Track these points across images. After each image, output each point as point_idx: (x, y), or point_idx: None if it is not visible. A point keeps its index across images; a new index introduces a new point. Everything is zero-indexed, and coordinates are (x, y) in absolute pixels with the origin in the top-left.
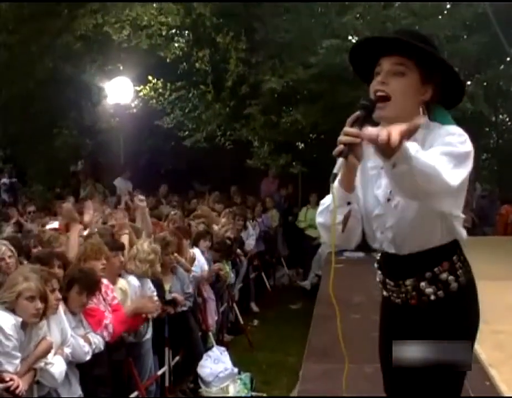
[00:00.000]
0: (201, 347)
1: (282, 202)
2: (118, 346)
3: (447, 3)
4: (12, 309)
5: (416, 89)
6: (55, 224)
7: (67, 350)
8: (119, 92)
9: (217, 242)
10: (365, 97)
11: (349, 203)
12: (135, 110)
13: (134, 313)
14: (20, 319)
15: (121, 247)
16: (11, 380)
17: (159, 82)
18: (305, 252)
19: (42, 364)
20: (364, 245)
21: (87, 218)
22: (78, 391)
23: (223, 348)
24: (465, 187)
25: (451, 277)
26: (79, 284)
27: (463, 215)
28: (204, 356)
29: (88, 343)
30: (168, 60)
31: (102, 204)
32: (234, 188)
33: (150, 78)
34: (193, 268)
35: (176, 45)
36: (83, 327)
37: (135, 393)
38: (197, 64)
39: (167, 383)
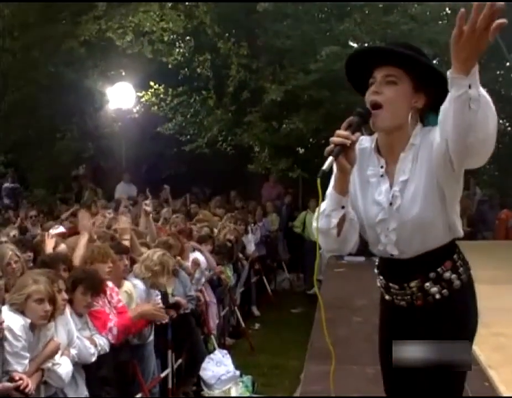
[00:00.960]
0: (203, 350)
1: (284, 209)
2: (123, 348)
3: (446, 8)
4: (21, 311)
5: (407, 97)
6: (60, 229)
7: (73, 351)
8: (121, 97)
9: (218, 245)
10: (361, 105)
11: (343, 207)
12: (136, 116)
13: (140, 318)
14: (29, 321)
15: (125, 251)
16: (20, 379)
17: (161, 87)
18: (305, 256)
19: (49, 365)
20: (364, 250)
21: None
22: (84, 391)
23: (225, 351)
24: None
25: (454, 275)
26: (84, 285)
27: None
28: (207, 359)
29: (93, 345)
30: (169, 66)
31: (104, 208)
32: (234, 192)
33: (151, 83)
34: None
35: (178, 50)
36: (88, 329)
37: (139, 395)
38: (198, 70)
39: (170, 386)
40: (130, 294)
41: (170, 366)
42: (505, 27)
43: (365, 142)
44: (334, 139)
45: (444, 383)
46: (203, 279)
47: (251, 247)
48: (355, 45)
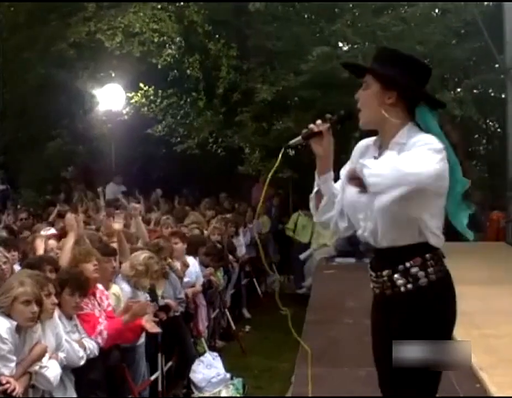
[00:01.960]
0: (193, 353)
1: (274, 210)
2: (112, 351)
3: (436, 10)
4: (7, 314)
5: (378, 97)
6: (51, 231)
7: (62, 355)
8: (111, 99)
9: (208, 247)
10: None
11: (318, 184)
12: (126, 117)
13: (130, 319)
14: (15, 323)
15: (112, 253)
16: (7, 383)
17: (151, 89)
18: (295, 258)
19: (37, 368)
20: (355, 251)
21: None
22: (73, 395)
23: (215, 353)
24: (440, 190)
25: (421, 273)
26: (70, 286)
27: (437, 229)
28: (197, 362)
29: (82, 348)
30: (159, 67)
31: (94, 210)
32: (223, 194)
33: (141, 85)
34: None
35: (168, 52)
36: (78, 332)
37: None
38: (188, 71)
39: (160, 389)
40: (118, 297)
41: (159, 369)
42: (495, 29)
43: (371, 140)
44: (309, 125)
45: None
46: (201, 282)
47: (241, 250)
48: (346, 47)
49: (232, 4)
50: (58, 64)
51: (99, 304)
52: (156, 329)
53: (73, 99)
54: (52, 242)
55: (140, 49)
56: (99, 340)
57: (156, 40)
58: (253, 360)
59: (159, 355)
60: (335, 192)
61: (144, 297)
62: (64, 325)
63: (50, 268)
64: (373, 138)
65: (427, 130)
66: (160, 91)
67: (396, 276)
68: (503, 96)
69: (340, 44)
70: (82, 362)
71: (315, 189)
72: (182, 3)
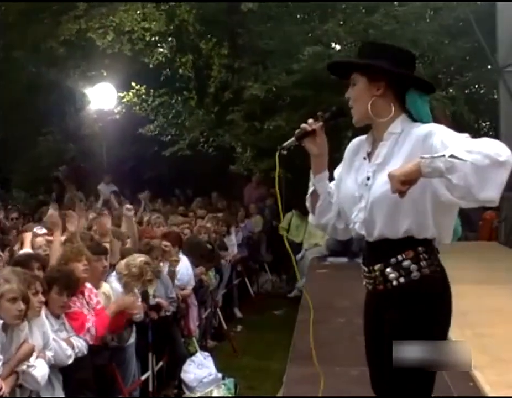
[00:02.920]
0: (184, 352)
1: (267, 211)
2: (101, 350)
3: (428, 8)
4: None
5: (366, 91)
6: (43, 230)
7: (49, 354)
8: (102, 97)
9: (199, 247)
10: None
11: (313, 184)
12: (117, 117)
13: (116, 313)
14: (1, 321)
15: (104, 252)
16: None
17: (142, 88)
18: (288, 258)
19: (24, 367)
20: (347, 251)
21: (72, 227)
22: (61, 394)
23: (206, 353)
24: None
25: (413, 266)
26: (59, 284)
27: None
28: (188, 361)
29: (70, 347)
30: (151, 66)
31: (86, 210)
32: (215, 194)
33: (133, 84)
34: (178, 276)
35: (160, 51)
36: (66, 330)
37: None
38: (180, 70)
39: (150, 389)
40: (108, 296)
41: (150, 368)
42: (488, 27)
43: (363, 137)
44: (302, 125)
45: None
46: (192, 283)
47: (233, 249)
48: (338, 47)
49: (224, 3)
50: (49, 63)
51: (88, 303)
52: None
53: (64, 98)
54: (40, 240)
55: (129, 47)
56: (88, 337)
57: (147, 39)
58: (245, 360)
59: (150, 354)
60: (331, 191)
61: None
62: (52, 324)
63: (38, 265)
64: (365, 135)
65: (418, 118)
66: (151, 90)
67: (388, 270)
68: (495, 96)
69: (333, 44)
70: (70, 361)
71: (310, 189)
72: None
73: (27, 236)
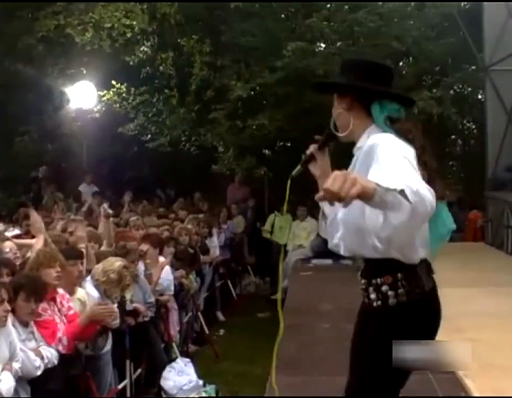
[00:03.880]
0: (164, 359)
1: (250, 211)
2: (74, 360)
3: (413, 3)
4: None
5: (337, 107)
6: (15, 232)
7: (16, 365)
8: (82, 96)
9: (180, 250)
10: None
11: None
12: (97, 115)
13: (88, 322)
14: None
15: (79, 256)
16: None
17: (123, 86)
18: (272, 260)
19: None
20: (331, 252)
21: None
22: None
23: (187, 359)
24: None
25: (390, 292)
26: (26, 291)
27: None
28: (168, 368)
29: (39, 357)
30: (132, 64)
31: (63, 211)
32: (198, 194)
33: (113, 82)
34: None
35: (141, 48)
36: (34, 339)
37: None
38: (161, 68)
39: (128, 397)
40: (83, 302)
41: (128, 376)
42: (474, 25)
43: None
44: (307, 151)
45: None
46: (172, 287)
47: (215, 251)
48: (323, 45)
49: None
50: (26, 60)
51: (59, 310)
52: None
53: (43, 96)
54: (9, 244)
55: (109, 43)
56: (60, 348)
57: (128, 35)
58: (227, 364)
59: (127, 362)
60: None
61: (111, 302)
62: (19, 332)
63: (7, 271)
64: None
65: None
66: (132, 89)
67: (370, 289)
68: (479, 97)
69: (318, 43)
70: (39, 373)
71: (320, 211)
72: None
73: None
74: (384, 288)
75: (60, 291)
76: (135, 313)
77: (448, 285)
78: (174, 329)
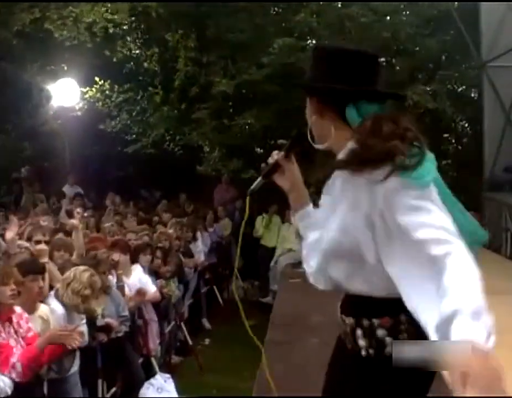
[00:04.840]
0: (141, 376)
1: (237, 214)
2: (33, 386)
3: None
4: None
5: (308, 111)
6: None
7: None
8: (64, 93)
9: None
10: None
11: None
12: (79, 113)
13: (47, 345)
14: None
15: (40, 271)
16: None
17: (106, 83)
18: (261, 263)
19: None
20: None
21: (8, 235)
22: None
23: (167, 375)
24: None
25: (388, 339)
26: None
27: None
28: (146, 385)
29: None
30: (115, 60)
31: (44, 214)
32: (183, 196)
33: (96, 79)
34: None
35: (124, 43)
36: None
37: None
38: (145, 64)
39: None
40: (46, 320)
41: (100, 396)
42: (470, 19)
43: None
44: (269, 159)
45: None
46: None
47: (199, 256)
48: (313, 41)
49: None
50: (2, 55)
51: (16, 332)
52: (76, 343)
53: (21, 93)
54: None
55: (89, 38)
56: (14, 375)
57: (111, 31)
58: (211, 377)
59: (99, 381)
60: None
61: (79, 318)
62: None
63: None
64: None
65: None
66: (116, 86)
67: (358, 332)
68: (472, 95)
69: (308, 38)
70: None
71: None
72: None
73: None
74: (380, 333)
75: (17, 309)
76: (107, 328)
77: None
78: (154, 342)
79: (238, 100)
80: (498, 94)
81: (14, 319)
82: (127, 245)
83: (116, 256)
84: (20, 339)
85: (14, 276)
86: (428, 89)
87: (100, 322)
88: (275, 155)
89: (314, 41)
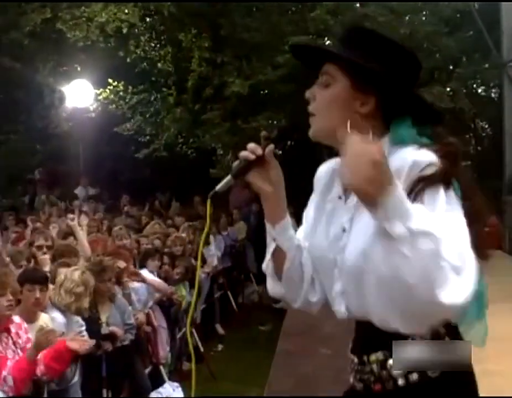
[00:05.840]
0: (148, 385)
1: (253, 217)
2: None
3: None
4: None
5: (346, 100)
6: None
7: None
8: (78, 95)
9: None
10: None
11: (274, 239)
12: (93, 115)
13: (35, 353)
14: None
15: (41, 281)
16: None
17: (120, 84)
18: None
19: None
20: None
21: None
22: None
23: (176, 384)
24: None
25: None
26: None
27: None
28: (154, 393)
29: None
30: (128, 60)
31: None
32: (197, 199)
33: (110, 80)
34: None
35: (137, 43)
36: None
37: None
38: (159, 65)
39: None
40: None
41: None
42: (491, 19)
43: (332, 164)
44: (240, 153)
45: None
46: (150, 302)
47: (213, 260)
48: (329, 41)
49: None
50: (14, 56)
51: (15, 343)
52: (85, 347)
53: (33, 94)
54: None
55: (103, 39)
56: (6, 389)
57: (124, 31)
58: (223, 385)
59: (104, 391)
60: (300, 245)
61: (77, 325)
62: None
63: None
64: (335, 161)
65: (400, 140)
66: (130, 87)
67: (391, 361)
68: (492, 95)
69: (323, 34)
70: None
71: (271, 247)
72: None
73: None
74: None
75: (16, 319)
76: (111, 337)
77: None
78: (163, 349)
79: (252, 102)
80: None
81: (13, 329)
82: (129, 253)
83: (122, 263)
84: (19, 350)
85: (11, 286)
86: (448, 89)
87: (104, 330)
88: (255, 148)
89: (330, 41)
